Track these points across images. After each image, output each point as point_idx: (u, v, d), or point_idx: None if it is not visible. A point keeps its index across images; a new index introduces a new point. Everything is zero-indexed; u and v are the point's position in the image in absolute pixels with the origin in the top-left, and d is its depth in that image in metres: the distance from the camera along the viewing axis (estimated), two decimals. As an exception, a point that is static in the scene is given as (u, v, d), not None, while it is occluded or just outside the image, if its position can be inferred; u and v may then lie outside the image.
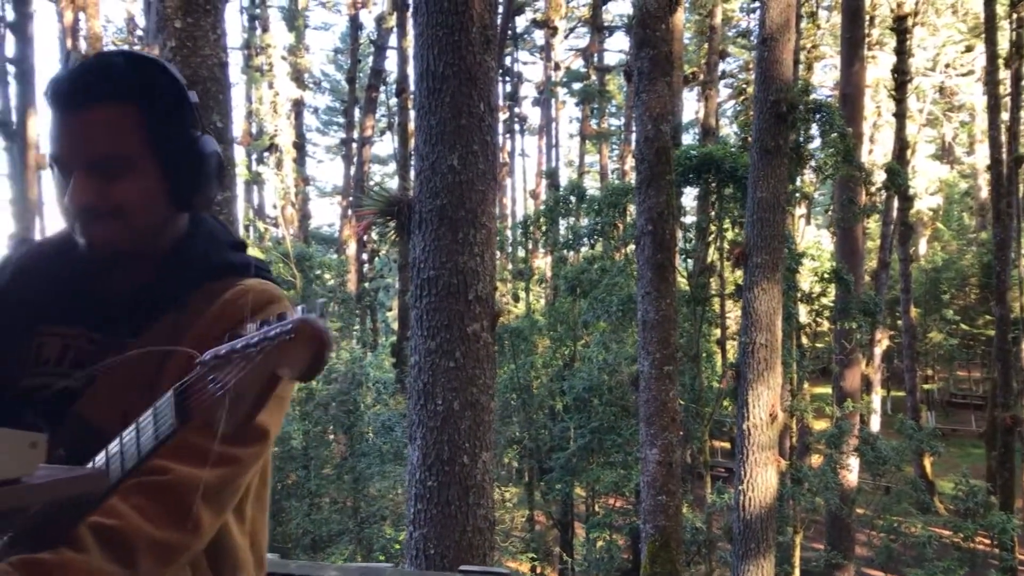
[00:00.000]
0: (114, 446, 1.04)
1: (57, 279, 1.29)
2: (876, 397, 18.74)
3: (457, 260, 4.95)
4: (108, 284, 1.27)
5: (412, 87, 6.03)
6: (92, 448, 1.08)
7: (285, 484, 13.83)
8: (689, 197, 14.30)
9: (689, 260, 12.85)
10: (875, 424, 17.89)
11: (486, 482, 5.22)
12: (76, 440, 1.12)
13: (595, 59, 23.51)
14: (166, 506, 1.11)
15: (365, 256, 19.58)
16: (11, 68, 12.70)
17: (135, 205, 1.22)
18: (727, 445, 21.43)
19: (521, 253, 20.24)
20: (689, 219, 13.39)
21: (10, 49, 12.71)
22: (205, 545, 1.19)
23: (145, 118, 1.22)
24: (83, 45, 11.07)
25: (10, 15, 12.33)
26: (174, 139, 1.24)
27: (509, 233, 19.68)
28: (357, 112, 21.14)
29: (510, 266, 19.76)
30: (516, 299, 18.85)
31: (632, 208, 11.81)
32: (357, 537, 13.72)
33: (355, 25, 21.27)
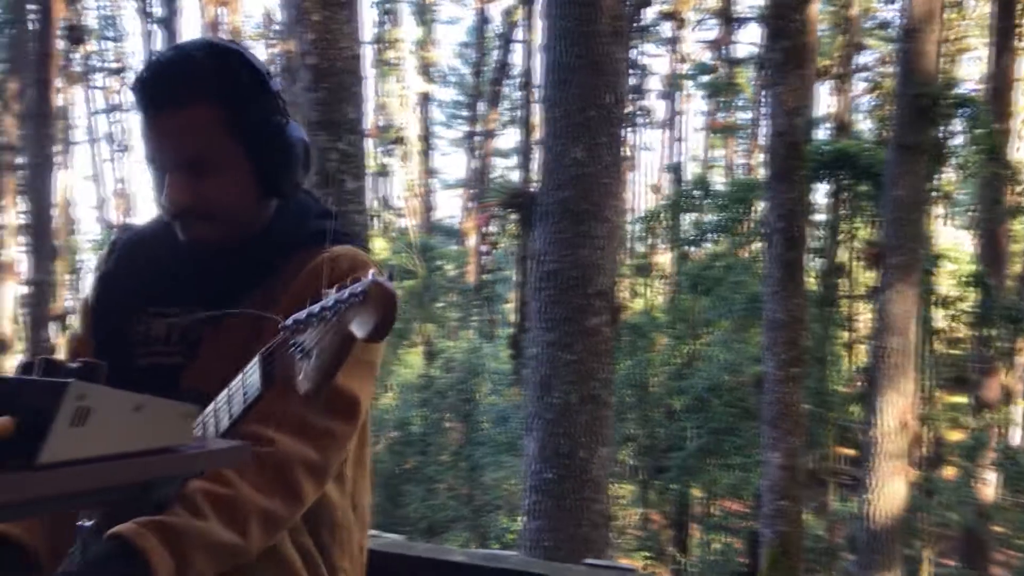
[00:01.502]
0: (209, 410, 1.10)
1: (159, 262, 1.34)
2: (1017, 408, 17.69)
3: (579, 253, 4.92)
4: (206, 264, 1.31)
5: (537, 80, 6.02)
6: None
7: (404, 468, 14.12)
8: (820, 194, 13.85)
9: (819, 259, 12.42)
10: (1016, 437, 16.90)
11: (603, 478, 5.17)
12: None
13: (724, 51, 23.01)
14: (272, 477, 1.15)
15: (485, 248, 19.75)
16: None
17: (227, 201, 1.26)
18: (852, 452, 20.66)
19: (641, 248, 20.02)
20: (820, 217, 12.95)
21: (157, 43, 13.39)
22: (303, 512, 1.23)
23: (229, 115, 1.24)
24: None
25: (160, 11, 13.01)
26: (259, 130, 1.26)
27: (630, 228, 19.51)
28: (481, 106, 21.35)
29: (629, 261, 19.57)
30: (635, 295, 18.66)
31: (759, 204, 11.51)
32: (472, 525, 13.88)
33: (482, 19, 21.47)
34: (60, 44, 10.48)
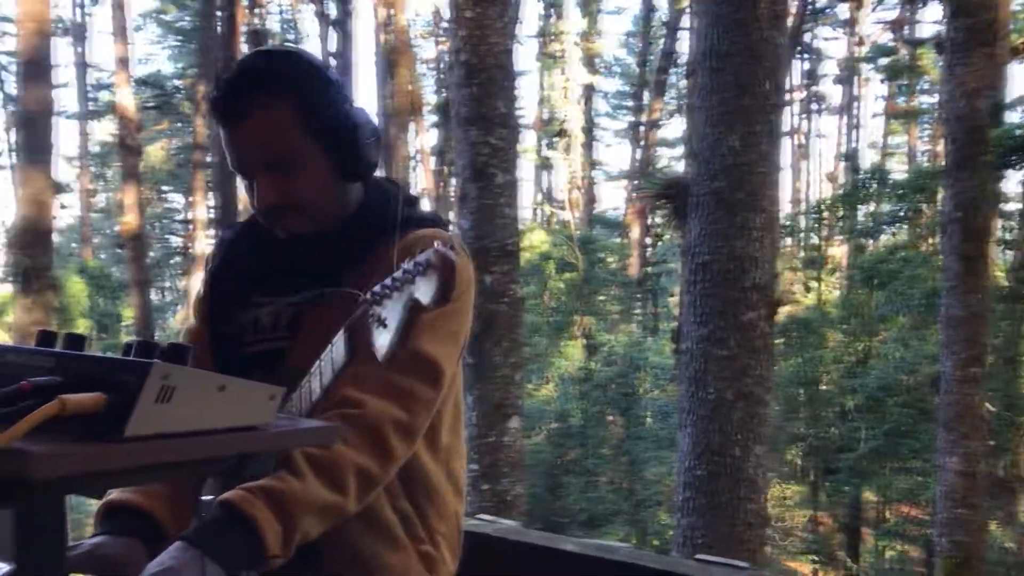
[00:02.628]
0: (304, 381, 1.20)
1: (261, 255, 1.43)
2: None
3: (734, 245, 4.78)
4: (302, 254, 1.39)
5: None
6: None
7: (564, 460, 14.18)
8: (1013, 182, 12.85)
9: (1009, 252, 11.53)
10: None
11: (759, 476, 5.02)
12: (292, 386, 1.24)
13: (905, 32, 21.72)
14: (364, 437, 1.23)
15: (649, 240, 19.51)
16: (333, 62, 14.02)
17: (312, 192, 1.35)
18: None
19: (814, 240, 19.20)
20: (1012, 206, 12.02)
21: (332, 44, 14.00)
22: (395, 473, 1.30)
23: (298, 113, 1.32)
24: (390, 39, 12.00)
25: (334, 13, 13.62)
26: (328, 122, 1.33)
27: (802, 219, 18.76)
28: (646, 95, 21.10)
29: (802, 254, 18.81)
30: (807, 289, 17.93)
31: (941, 193, 10.80)
32: (632, 519, 13.79)
33: (648, 7, 21.20)
34: (244, 48, 11.13)
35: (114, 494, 1.28)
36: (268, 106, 1.30)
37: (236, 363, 1.36)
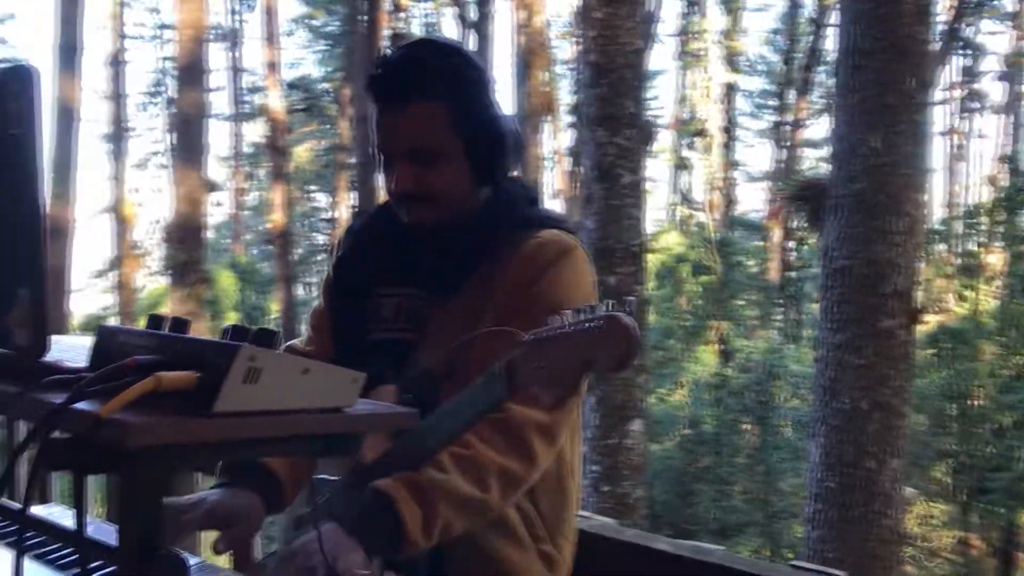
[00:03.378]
0: (450, 404, 1.23)
1: (388, 246, 1.48)
2: None
3: (873, 250, 4.61)
4: (429, 248, 1.43)
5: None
6: (431, 392, 1.28)
7: (696, 467, 13.95)
8: None
9: None
10: None
11: (895, 491, 4.83)
12: (419, 387, 1.30)
13: (1078, 24, 20.23)
14: (507, 439, 1.27)
15: (792, 244, 18.92)
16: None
17: (446, 189, 1.39)
18: None
19: (970, 246, 18.16)
20: None
21: (471, 47, 14.26)
22: (539, 476, 1.33)
23: (452, 111, 1.36)
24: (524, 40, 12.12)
25: (473, 15, 13.87)
26: (477, 125, 1.37)
27: (957, 224, 17.78)
28: (791, 94, 20.47)
29: (957, 261, 17.81)
30: (961, 298, 16.97)
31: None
32: (765, 531, 13.42)
33: (793, 3, 20.55)
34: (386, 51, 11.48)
35: None
36: (425, 99, 1.35)
37: (358, 349, 1.42)
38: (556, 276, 1.36)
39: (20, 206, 0.85)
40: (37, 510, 1.25)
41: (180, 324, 0.87)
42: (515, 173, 1.48)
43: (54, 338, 1.10)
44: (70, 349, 0.98)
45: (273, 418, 0.79)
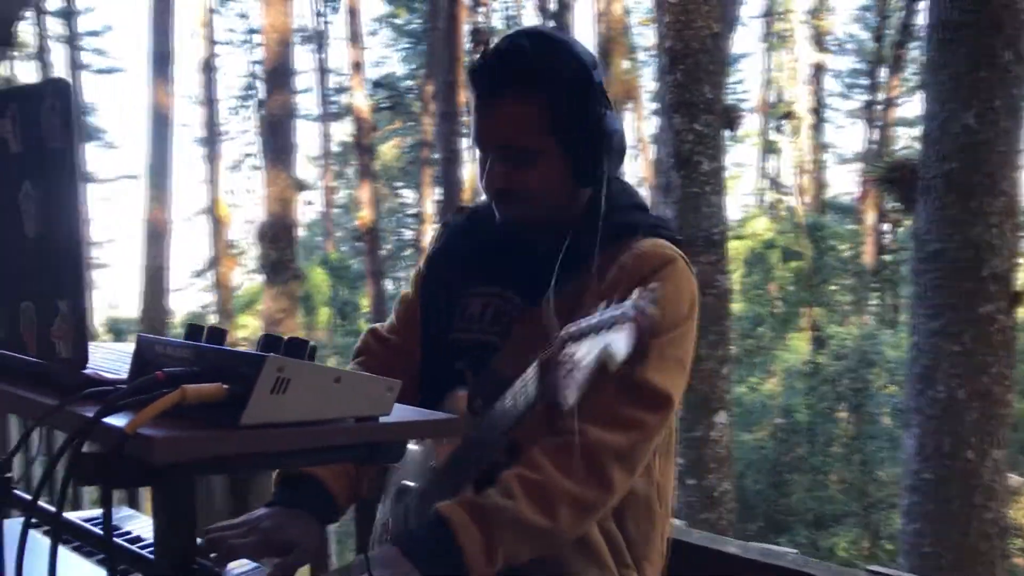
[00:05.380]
0: (499, 405, 1.21)
1: (481, 244, 1.44)
2: None
3: (968, 232, 4.40)
4: (521, 250, 1.39)
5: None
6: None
7: (789, 457, 13.65)
8: None
9: None
10: None
11: (997, 483, 4.62)
12: (492, 391, 1.26)
13: None
14: (581, 465, 1.21)
15: (888, 226, 18.30)
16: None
17: (542, 189, 1.33)
18: None
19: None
20: None
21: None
22: (617, 501, 1.27)
23: (551, 108, 1.30)
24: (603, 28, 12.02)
25: (552, 5, 13.82)
26: (578, 123, 1.30)
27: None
28: (882, 72, 19.78)
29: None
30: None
31: None
32: (863, 522, 13.06)
33: (885, -22, 19.84)
34: (467, 47, 11.53)
35: None
36: (522, 96, 1.30)
37: (443, 347, 1.40)
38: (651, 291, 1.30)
39: (59, 219, 0.86)
40: (94, 513, 1.28)
41: (217, 334, 0.86)
42: (620, 174, 1.42)
43: (109, 345, 1.13)
44: (120, 357, 0.99)
45: (303, 429, 0.78)
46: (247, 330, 17.95)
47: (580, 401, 1.08)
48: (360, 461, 0.94)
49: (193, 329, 0.89)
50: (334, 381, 0.80)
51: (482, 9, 16.27)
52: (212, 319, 18.34)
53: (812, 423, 13.67)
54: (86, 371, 0.86)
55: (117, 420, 0.73)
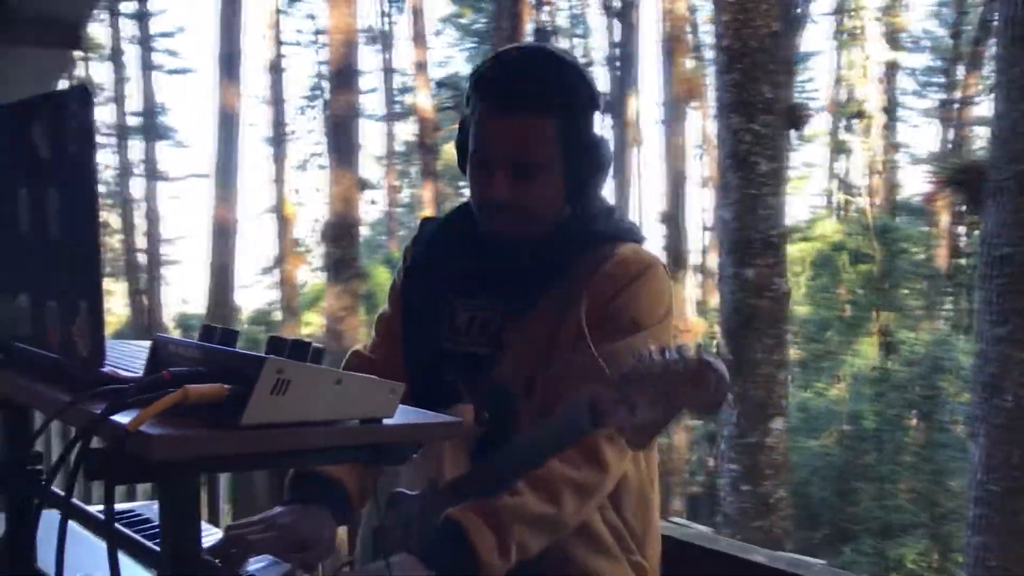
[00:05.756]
0: (537, 429, 1.27)
1: (463, 255, 1.45)
2: None
3: (1040, 236, 4.26)
4: (507, 260, 1.41)
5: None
6: (508, 409, 1.28)
7: (856, 464, 13.36)
8: None
9: None
10: None
11: (1068, 497, 4.46)
12: (496, 403, 1.30)
13: None
14: (578, 450, 1.26)
15: (962, 229, 17.78)
16: (610, 53, 14.11)
17: (539, 204, 1.37)
18: None
19: None
20: None
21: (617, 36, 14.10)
22: (614, 484, 1.32)
23: (562, 128, 1.33)
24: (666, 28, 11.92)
25: (617, 2, 13.75)
26: (581, 143, 1.35)
27: None
28: (960, 70, 19.22)
29: None
30: None
31: None
32: (933, 532, 12.71)
33: (963, -27, 19.26)
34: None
35: None
36: (539, 114, 1.33)
37: (430, 358, 1.42)
38: (635, 292, 1.34)
39: (79, 222, 0.89)
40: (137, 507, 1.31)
41: (229, 335, 0.88)
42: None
43: (136, 343, 1.16)
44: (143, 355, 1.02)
45: (304, 430, 0.79)
46: (311, 327, 18.26)
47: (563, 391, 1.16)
48: (366, 462, 0.96)
49: (208, 330, 0.91)
50: (335, 383, 0.81)
51: (547, 8, 16.27)
52: (277, 316, 18.70)
53: (880, 430, 13.35)
54: (104, 369, 0.88)
55: (123, 418, 0.75)
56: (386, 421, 0.85)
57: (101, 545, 1.01)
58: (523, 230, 1.37)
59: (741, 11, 4.26)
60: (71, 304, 0.90)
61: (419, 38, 16.76)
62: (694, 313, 14.56)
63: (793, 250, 15.81)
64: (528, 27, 11.84)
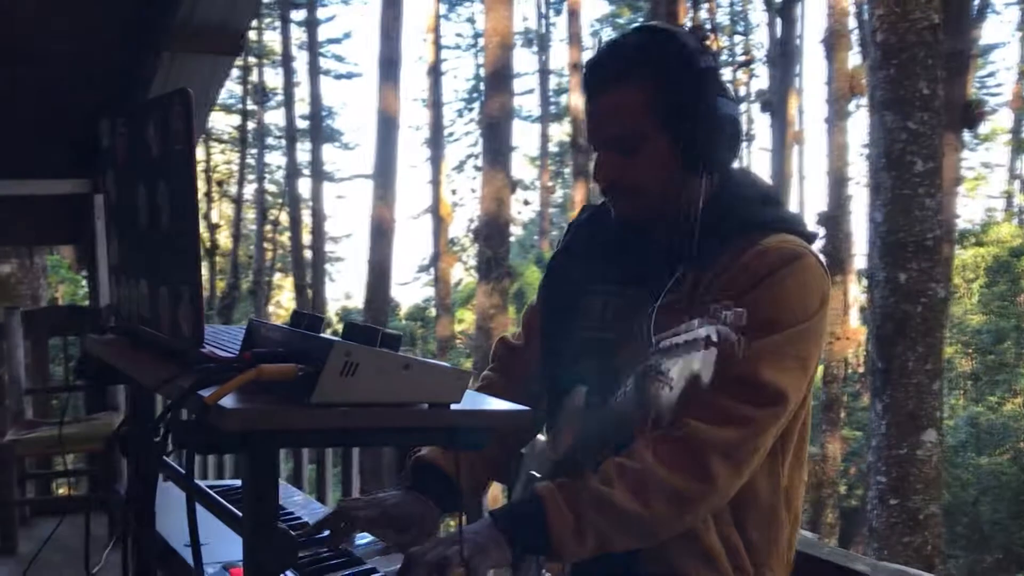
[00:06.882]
0: (610, 402, 1.24)
1: (601, 242, 1.44)
2: None
3: None
4: (639, 245, 1.38)
5: None
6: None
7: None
8: None
9: None
10: None
11: None
12: (608, 387, 1.26)
13: None
14: (683, 458, 1.20)
15: None
16: (771, 51, 13.68)
17: (648, 178, 1.32)
18: None
19: None
20: None
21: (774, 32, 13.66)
22: (726, 501, 1.25)
23: (654, 96, 1.29)
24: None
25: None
26: (683, 111, 1.28)
27: None
28: None
29: None
30: None
31: None
32: None
33: None
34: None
35: (424, 451, 1.42)
36: (627, 85, 1.30)
37: (567, 345, 1.43)
38: (771, 288, 1.24)
39: (182, 213, 0.97)
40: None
41: (315, 321, 0.95)
42: (736, 164, 1.39)
43: (238, 327, 1.25)
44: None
45: (370, 410, 0.84)
46: (463, 324, 18.68)
47: (690, 397, 1.08)
48: (439, 445, 0.99)
49: (297, 316, 0.97)
50: (403, 368, 0.86)
51: (706, 5, 15.99)
52: (432, 312, 19.22)
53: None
54: (203, 349, 0.96)
55: (207, 393, 0.82)
56: (454, 407, 0.89)
57: (207, 515, 1.09)
58: (641, 207, 1.34)
59: (898, 4, 4.05)
60: (178, 290, 0.99)
61: (575, 39, 16.80)
62: (856, 319, 13.93)
63: (966, 255, 14.87)
64: (686, 25, 11.67)
